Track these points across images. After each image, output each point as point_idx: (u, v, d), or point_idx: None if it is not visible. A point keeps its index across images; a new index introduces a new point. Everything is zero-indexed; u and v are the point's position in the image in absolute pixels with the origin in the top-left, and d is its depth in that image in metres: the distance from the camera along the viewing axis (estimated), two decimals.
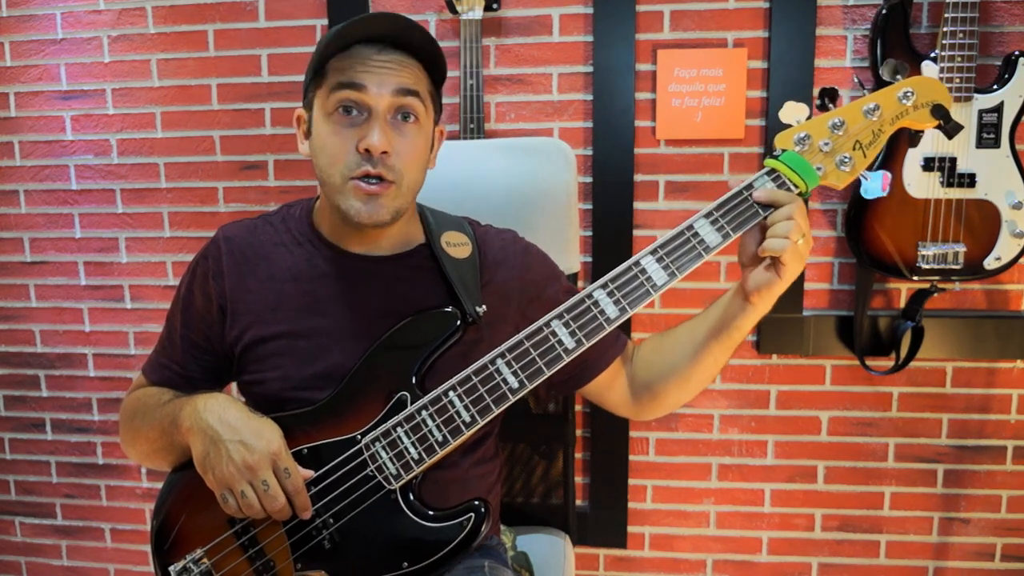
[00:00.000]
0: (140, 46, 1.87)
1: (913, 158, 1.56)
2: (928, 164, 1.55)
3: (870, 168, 0.97)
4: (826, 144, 0.94)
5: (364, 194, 0.94)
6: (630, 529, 1.93)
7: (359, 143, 0.93)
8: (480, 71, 1.68)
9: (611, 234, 1.79)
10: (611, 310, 0.91)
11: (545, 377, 0.92)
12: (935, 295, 1.64)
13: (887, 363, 1.76)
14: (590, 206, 1.79)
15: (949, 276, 1.59)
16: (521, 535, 1.34)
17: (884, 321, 1.74)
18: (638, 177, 1.78)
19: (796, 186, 0.93)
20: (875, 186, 0.97)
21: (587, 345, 0.91)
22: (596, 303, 0.91)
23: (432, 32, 1.79)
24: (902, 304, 1.75)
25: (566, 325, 0.91)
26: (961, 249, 1.57)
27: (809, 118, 0.95)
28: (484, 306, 1.01)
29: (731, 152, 1.75)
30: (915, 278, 1.61)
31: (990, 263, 1.58)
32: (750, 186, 0.92)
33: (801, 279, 1.76)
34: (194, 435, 0.92)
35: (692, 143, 1.76)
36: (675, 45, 1.73)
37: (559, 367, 0.92)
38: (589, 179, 1.79)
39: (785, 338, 1.78)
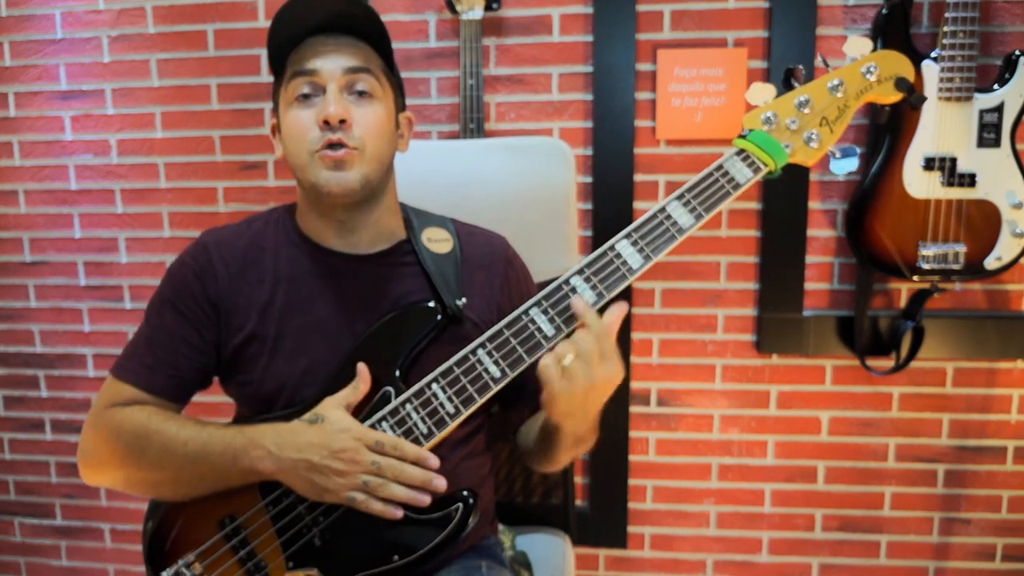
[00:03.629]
0: (140, 46, 1.87)
1: (914, 158, 1.56)
2: (929, 164, 1.55)
3: (843, 149, 0.99)
4: (793, 122, 0.96)
5: (330, 161, 0.96)
6: (630, 529, 1.92)
7: (317, 116, 0.96)
8: (480, 71, 1.67)
9: (611, 234, 1.77)
10: (588, 295, 0.92)
11: (526, 364, 0.92)
12: (936, 295, 1.64)
13: (887, 363, 1.76)
14: (590, 206, 1.79)
15: (949, 276, 1.59)
16: (521, 535, 1.34)
17: (884, 321, 1.74)
18: (638, 177, 1.78)
19: (765, 164, 0.94)
20: (846, 163, 0.98)
21: (566, 331, 0.92)
22: (574, 289, 0.92)
23: (432, 32, 1.79)
24: (902, 304, 1.75)
25: (544, 312, 0.92)
26: (961, 249, 1.57)
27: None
28: (464, 299, 1.03)
29: None
30: (915, 278, 1.61)
31: (991, 263, 1.58)
32: (720, 167, 0.95)
33: (801, 279, 1.76)
34: (288, 475, 0.92)
35: (692, 143, 1.76)
36: (675, 45, 1.73)
37: (540, 354, 0.92)
38: (589, 179, 1.79)
39: (785, 338, 1.78)
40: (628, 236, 0.93)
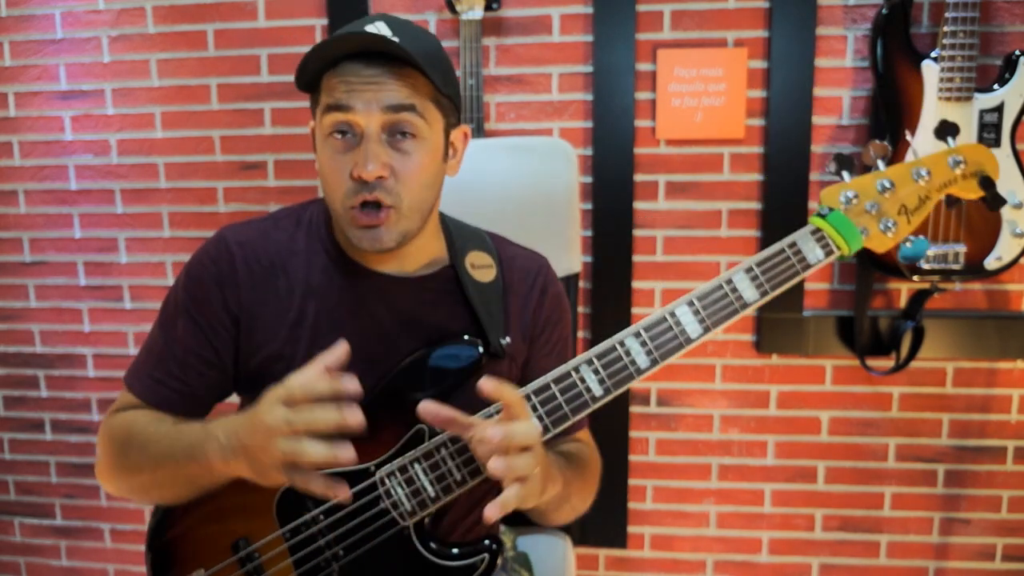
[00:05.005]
0: (140, 46, 1.87)
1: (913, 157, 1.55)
2: None
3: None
4: (873, 206, 0.91)
5: (363, 226, 0.90)
6: (630, 529, 1.92)
7: (352, 169, 0.88)
8: (480, 71, 1.67)
9: (611, 234, 1.79)
10: (641, 360, 0.88)
11: (570, 423, 0.88)
12: (936, 295, 1.64)
13: (887, 363, 1.76)
14: (590, 206, 1.79)
15: (950, 276, 1.59)
16: (522, 535, 1.34)
17: (884, 321, 1.74)
18: (638, 177, 1.78)
19: (838, 248, 0.91)
20: (915, 253, 0.99)
21: (615, 393, 0.88)
22: (628, 351, 0.88)
23: (432, 32, 1.78)
24: (902, 304, 1.75)
25: (595, 372, 0.88)
26: (962, 249, 1.57)
27: (854, 174, 0.92)
28: (508, 338, 0.99)
29: (731, 152, 1.75)
30: (915, 278, 1.61)
31: (991, 263, 1.58)
32: (793, 244, 0.91)
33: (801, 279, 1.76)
34: (236, 466, 0.84)
35: (692, 143, 1.76)
36: (675, 45, 1.73)
37: (585, 413, 0.88)
38: (589, 179, 1.79)
39: (785, 338, 1.78)
40: (690, 304, 0.89)
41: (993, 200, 0.93)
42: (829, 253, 0.91)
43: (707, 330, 0.89)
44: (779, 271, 0.90)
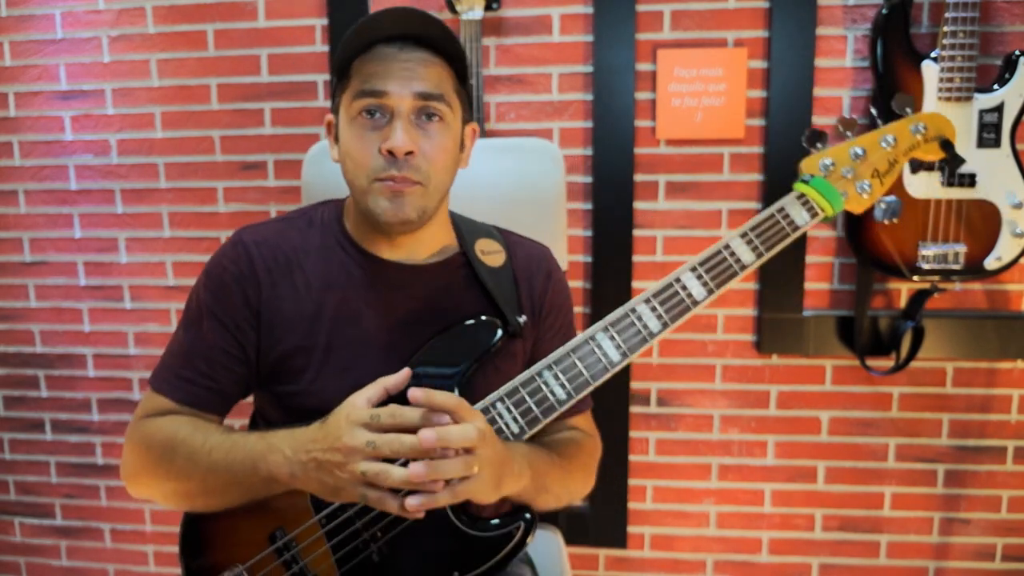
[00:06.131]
0: (140, 46, 1.87)
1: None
2: (928, 164, 1.55)
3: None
4: (848, 171, 1.02)
5: (389, 192, 0.93)
6: (630, 529, 1.92)
7: (382, 144, 0.92)
8: (480, 71, 1.67)
9: (611, 234, 1.79)
10: (653, 324, 0.95)
11: (591, 388, 0.95)
12: (936, 295, 1.64)
13: (887, 363, 1.76)
14: (590, 206, 1.79)
15: (949, 276, 1.59)
16: None
17: (884, 321, 1.74)
18: (638, 177, 1.78)
19: (823, 210, 1.00)
20: (889, 212, 1.14)
21: (631, 357, 0.94)
22: (639, 316, 0.95)
23: None
24: (902, 304, 1.75)
25: (611, 338, 0.94)
26: (961, 249, 1.57)
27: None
28: (524, 316, 1.03)
29: (731, 152, 1.75)
30: (915, 278, 1.61)
31: (991, 263, 1.58)
32: (781, 208, 1.00)
33: (801, 279, 1.76)
34: (303, 480, 0.87)
35: (692, 143, 1.76)
36: (675, 45, 1.73)
37: (604, 379, 0.94)
38: (589, 179, 1.79)
39: (785, 338, 1.78)
40: (693, 269, 0.97)
41: (953, 159, 1.04)
42: (814, 215, 1.00)
43: (711, 292, 0.96)
44: (771, 234, 0.99)
